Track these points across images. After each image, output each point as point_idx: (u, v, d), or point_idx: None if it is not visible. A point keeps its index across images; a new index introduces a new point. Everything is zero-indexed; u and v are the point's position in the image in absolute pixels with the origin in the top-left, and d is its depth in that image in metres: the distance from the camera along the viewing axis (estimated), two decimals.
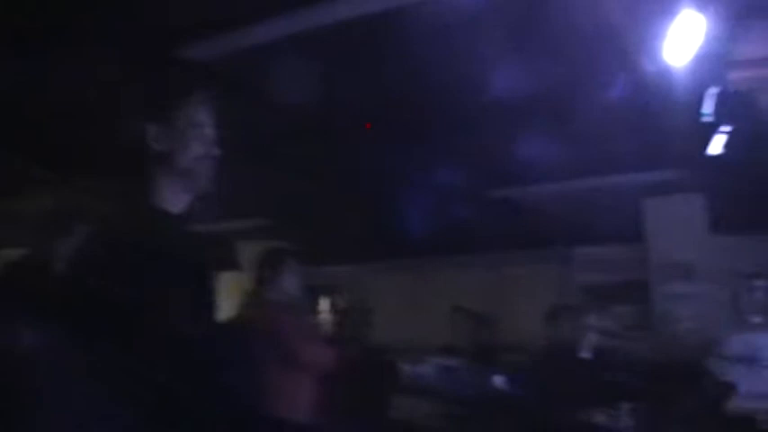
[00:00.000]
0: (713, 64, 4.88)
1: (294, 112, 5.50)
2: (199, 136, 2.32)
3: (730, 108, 5.55)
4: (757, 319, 7.87)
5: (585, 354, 6.09)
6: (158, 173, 2.28)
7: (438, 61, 4.78)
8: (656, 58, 4.59)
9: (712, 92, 5.21)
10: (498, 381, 6.96)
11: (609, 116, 5.60)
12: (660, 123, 5.54)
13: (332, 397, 4.87)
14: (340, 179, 7.39)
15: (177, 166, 2.28)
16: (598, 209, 7.81)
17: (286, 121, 5.80)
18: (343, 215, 8.42)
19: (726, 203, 7.51)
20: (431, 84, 5.16)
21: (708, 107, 5.27)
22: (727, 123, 5.66)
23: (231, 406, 2.29)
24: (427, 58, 4.72)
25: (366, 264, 9.83)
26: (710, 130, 5.51)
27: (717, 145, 5.72)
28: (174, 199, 2.29)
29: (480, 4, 4.11)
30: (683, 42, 4.47)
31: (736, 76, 5.35)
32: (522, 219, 8.15)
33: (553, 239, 8.84)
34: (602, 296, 8.83)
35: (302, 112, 5.55)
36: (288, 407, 4.51)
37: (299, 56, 4.60)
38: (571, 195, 7.75)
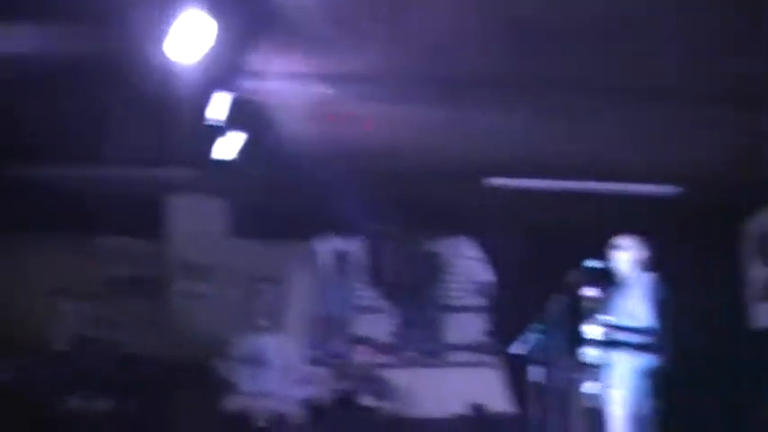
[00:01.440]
0: (222, 69, 4.93)
1: None
2: None
3: (242, 115, 5.70)
4: (264, 323, 8.19)
5: (63, 345, 5.92)
6: None
7: None
8: (161, 51, 4.46)
9: (220, 97, 5.29)
10: None
11: (125, 106, 5.47)
12: (169, 121, 5.48)
13: None
14: None
15: None
16: (121, 200, 7.58)
17: None
18: None
19: (243, 208, 7.76)
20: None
21: (214, 111, 5.35)
22: (237, 130, 5.81)
23: None
24: None
25: None
26: (217, 133, 5.61)
27: (224, 149, 5.84)
28: None
29: None
30: (190, 42, 4.40)
31: (248, 85, 5.50)
32: (42, 201, 7.64)
33: (74, 226, 8.42)
34: (120, 288, 8.65)
35: None
36: None
37: None
38: (95, 182, 7.49)
